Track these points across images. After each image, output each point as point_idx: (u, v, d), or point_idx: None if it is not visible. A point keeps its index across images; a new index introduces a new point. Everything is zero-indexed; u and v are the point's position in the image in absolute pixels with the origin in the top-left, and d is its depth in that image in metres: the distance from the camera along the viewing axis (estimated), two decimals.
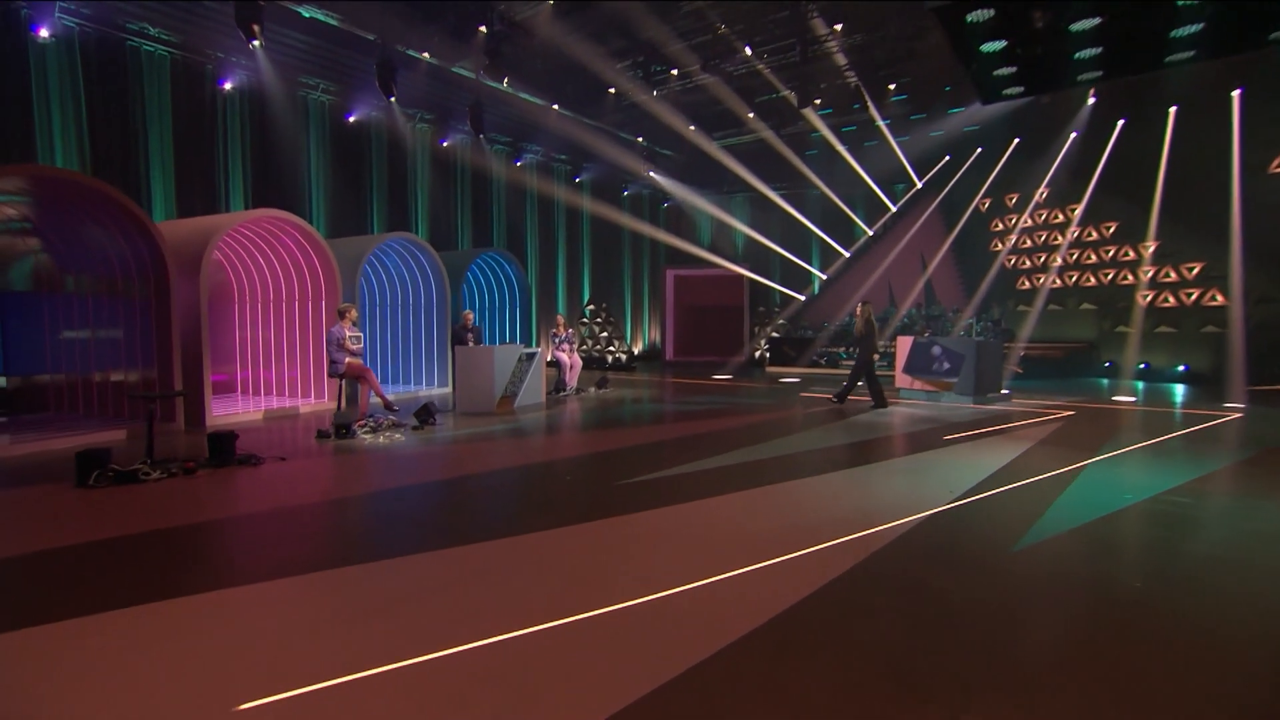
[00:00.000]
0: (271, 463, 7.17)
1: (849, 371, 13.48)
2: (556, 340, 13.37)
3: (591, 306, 20.63)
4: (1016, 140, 18.03)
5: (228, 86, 13.30)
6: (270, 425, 9.56)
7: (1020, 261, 18.26)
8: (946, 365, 11.39)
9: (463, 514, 5.44)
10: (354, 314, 9.68)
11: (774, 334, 21.12)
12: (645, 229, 24.09)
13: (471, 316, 11.53)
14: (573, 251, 21.87)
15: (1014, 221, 18.37)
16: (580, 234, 22.20)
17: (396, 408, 9.93)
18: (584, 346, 20.59)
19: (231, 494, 5.98)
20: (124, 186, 11.51)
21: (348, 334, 9.58)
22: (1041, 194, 17.64)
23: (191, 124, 12.82)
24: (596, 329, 20.50)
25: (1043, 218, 17.88)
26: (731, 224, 23.79)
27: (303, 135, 14.65)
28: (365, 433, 8.80)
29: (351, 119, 15.61)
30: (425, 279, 13.45)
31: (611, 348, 20.15)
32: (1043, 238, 17.99)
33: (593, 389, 13.56)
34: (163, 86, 12.40)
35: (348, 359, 9.53)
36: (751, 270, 22.46)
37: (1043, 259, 17.87)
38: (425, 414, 9.50)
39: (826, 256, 22.81)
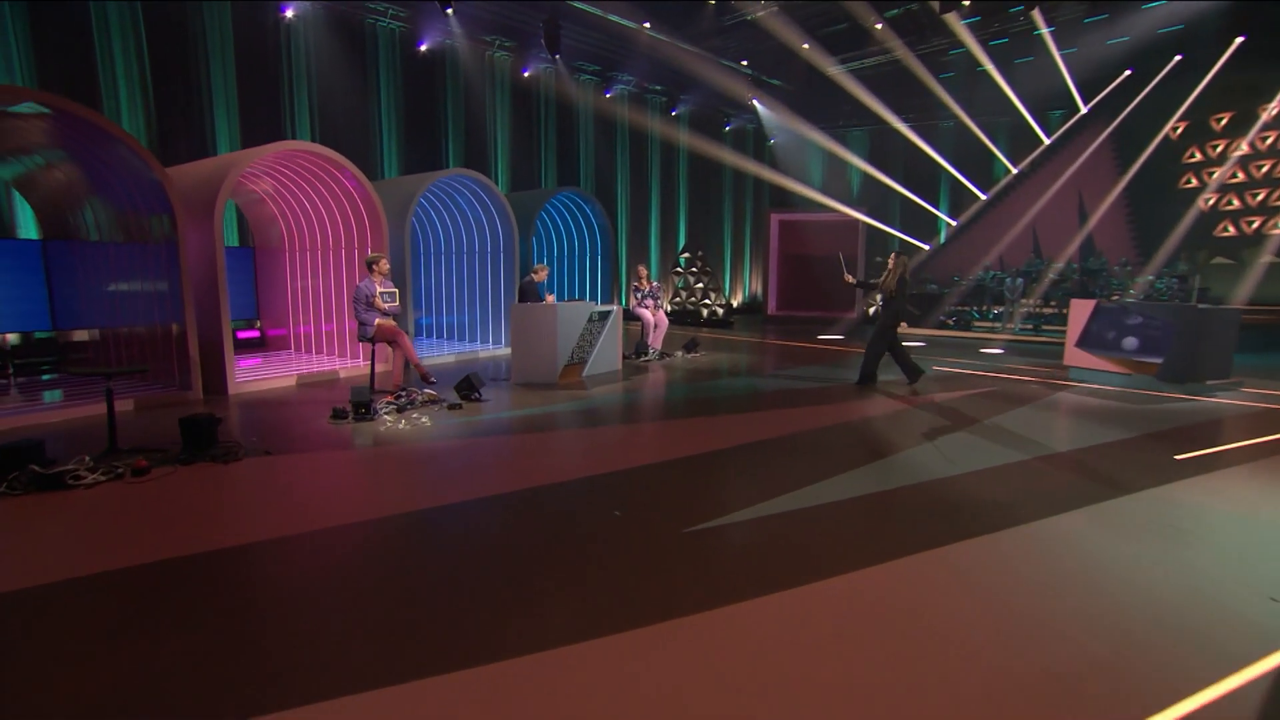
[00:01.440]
0: (252, 458, 5.40)
1: (982, 335, 10.47)
2: (639, 294, 11.12)
3: (686, 255, 18.16)
4: (1240, 40, 13.72)
5: (290, 14, 11.54)
6: (298, 395, 7.91)
7: (1226, 201, 14.22)
8: (1142, 340, 8.31)
9: (422, 603, 3.37)
10: (385, 265, 7.78)
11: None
12: (749, 167, 21.17)
13: (545, 272, 9.41)
14: (667, 195, 19.36)
15: (1221, 149, 14.24)
16: (676, 175, 19.62)
17: (434, 379, 8.04)
18: (677, 299, 18.24)
19: (153, 515, 4.18)
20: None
21: (378, 290, 7.70)
22: (1273, 111, 13.44)
23: (254, 57, 11.17)
24: (691, 279, 18.05)
25: (1269, 142, 13.69)
26: (847, 162, 20.46)
27: (371, 68, 12.82)
28: (389, 412, 6.95)
29: (423, 47, 13.61)
30: (490, 223, 11.43)
31: (707, 300, 17.69)
32: (1265, 169, 13.82)
33: (680, 353, 11.28)
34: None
35: (378, 320, 7.67)
36: (869, 215, 19.21)
37: (1261, 197, 13.77)
38: (467, 388, 7.55)
39: (958, 199, 19.22)
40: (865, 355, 8.71)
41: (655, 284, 11.22)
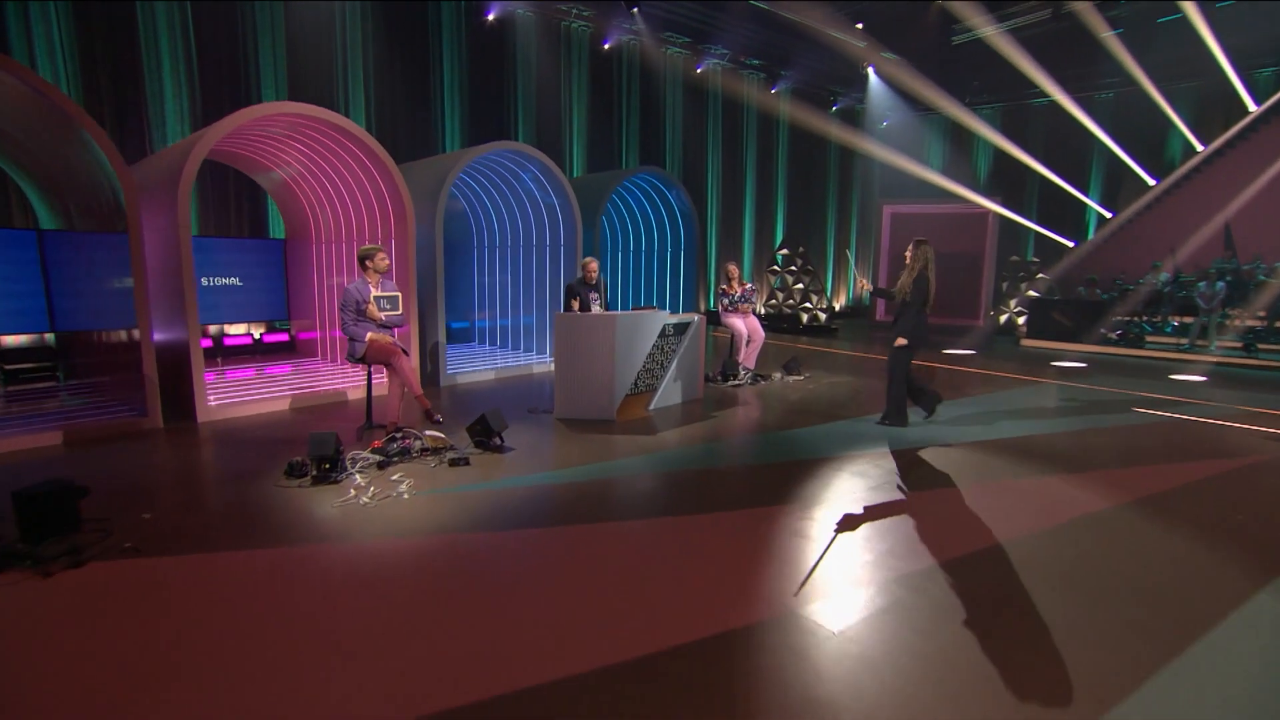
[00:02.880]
0: (105, 562, 3.28)
1: (1163, 355, 7.32)
2: (728, 299, 8.56)
3: (785, 251, 15.36)
4: None
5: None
6: (282, 427, 5.86)
7: None
8: None
9: None
10: (383, 261, 5.59)
11: (1035, 293, 14.49)
12: (863, 145, 18.06)
13: (596, 267, 7.05)
14: (763, 183, 16.57)
15: None
16: (774, 160, 16.79)
17: (440, 416, 5.78)
18: (772, 301, 15.47)
19: None
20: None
21: (373, 294, 5.51)
22: None
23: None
24: (790, 280, 15.24)
25: None
26: (973, 145, 17.00)
27: (434, 41, 10.83)
28: (366, 468, 4.73)
29: (491, 16, 11.50)
30: (548, 208, 9.12)
31: (808, 304, 14.84)
32: None
33: (778, 374, 8.64)
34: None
35: (370, 335, 5.49)
36: (1003, 205, 15.73)
37: None
38: (483, 431, 5.26)
39: (1113, 186, 15.45)
40: (889, 386, 6.26)
41: (749, 285, 8.61)
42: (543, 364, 8.91)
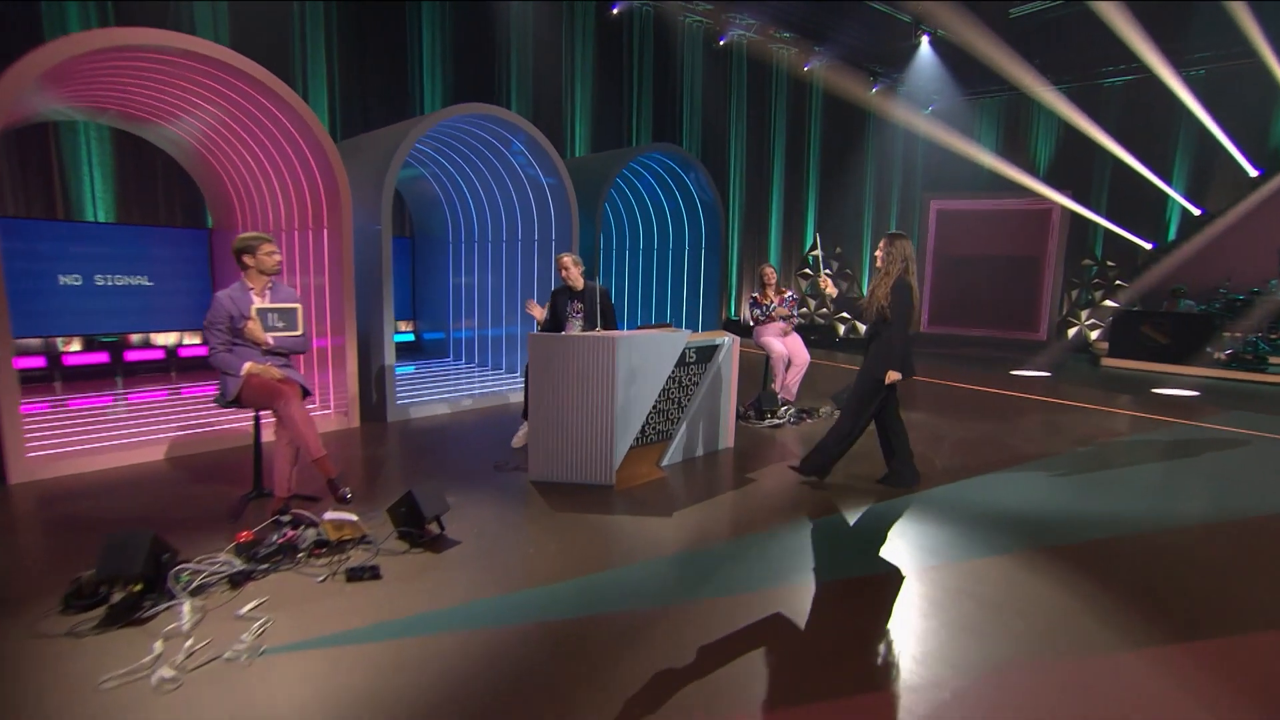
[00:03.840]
0: None
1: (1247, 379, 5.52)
2: (760, 310, 6.79)
3: (817, 253, 13.55)
4: None
5: None
6: (129, 493, 4.13)
7: None
8: None
9: None
10: (271, 257, 3.85)
11: (1118, 304, 12.58)
12: (903, 129, 16.23)
13: (571, 263, 5.22)
14: (793, 173, 14.75)
15: None
16: (806, 147, 14.98)
17: (348, 493, 3.98)
18: (804, 309, 13.67)
19: None
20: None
21: (255, 305, 3.78)
22: None
23: None
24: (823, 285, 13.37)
25: None
26: (1036, 127, 15.13)
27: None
28: (206, 590, 2.98)
29: None
30: (537, 195, 7.35)
31: (845, 314, 13.01)
32: None
33: (826, 410, 6.84)
34: None
35: (247, 367, 3.74)
36: (1073, 199, 13.85)
37: None
38: (411, 517, 3.51)
39: (1202, 180, 13.54)
40: (834, 431, 4.58)
41: (790, 293, 6.82)
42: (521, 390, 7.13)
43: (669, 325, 5.19)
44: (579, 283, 5.14)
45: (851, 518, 4.09)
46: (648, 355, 4.62)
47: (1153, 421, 7.00)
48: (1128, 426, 6.73)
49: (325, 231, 5.62)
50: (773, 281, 6.81)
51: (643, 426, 4.76)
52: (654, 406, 4.80)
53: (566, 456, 4.52)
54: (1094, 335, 12.71)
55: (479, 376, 7.81)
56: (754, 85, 13.77)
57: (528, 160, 7.10)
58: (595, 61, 11.30)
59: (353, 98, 8.78)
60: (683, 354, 4.95)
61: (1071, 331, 13.04)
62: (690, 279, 9.21)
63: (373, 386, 5.98)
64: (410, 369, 8.29)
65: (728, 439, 5.52)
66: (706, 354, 5.18)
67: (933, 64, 14.69)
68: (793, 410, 6.51)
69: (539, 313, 5.27)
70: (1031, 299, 14.72)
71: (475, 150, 7.33)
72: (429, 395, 6.71)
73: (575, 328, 5.15)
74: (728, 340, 5.33)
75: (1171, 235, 14.12)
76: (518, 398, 6.99)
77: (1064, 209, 13.65)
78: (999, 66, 14.40)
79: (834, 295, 4.85)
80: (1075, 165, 14.52)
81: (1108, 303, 12.55)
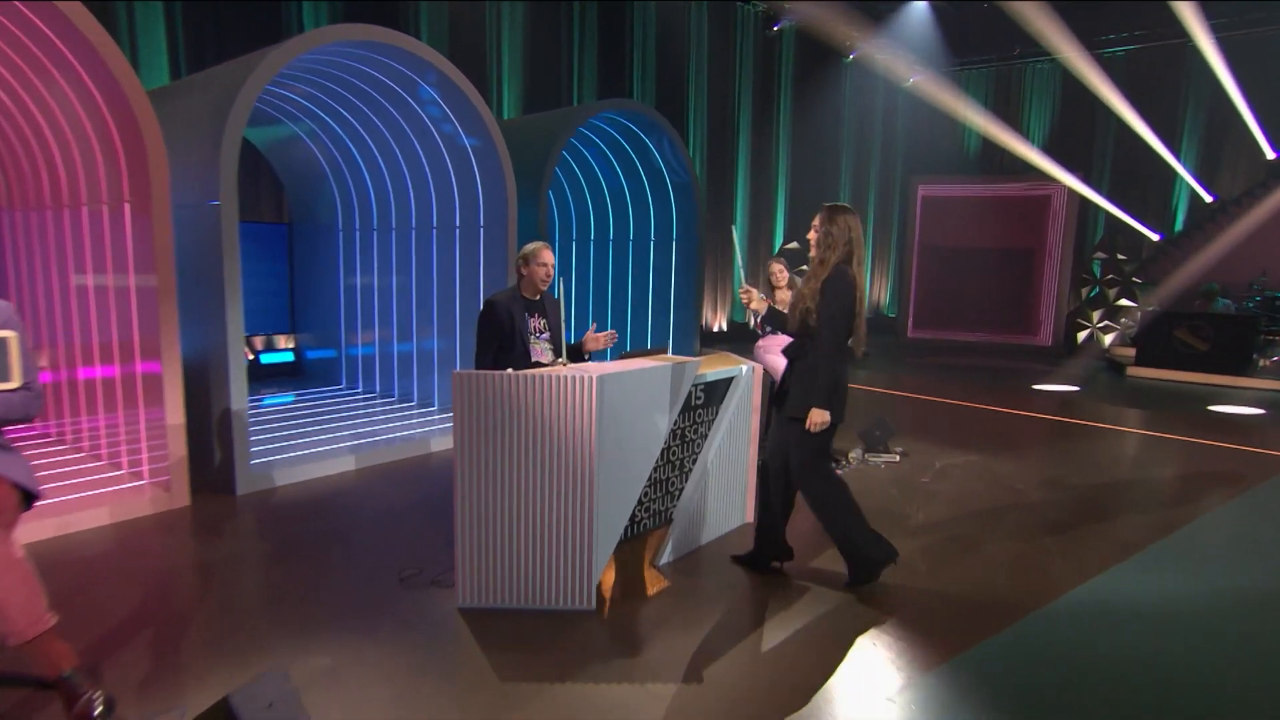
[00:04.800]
0: None
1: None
2: (761, 320, 5.43)
3: (795, 245, 12.40)
4: None
5: None
6: None
7: None
8: None
9: None
10: None
11: (1137, 304, 11.93)
12: (881, 102, 15.36)
13: (549, 263, 3.77)
14: (760, 155, 13.60)
15: None
16: (774, 125, 13.86)
17: (100, 706, 2.34)
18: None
19: None
20: None
21: None
22: None
23: None
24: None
25: None
26: (1030, 102, 14.51)
27: None
28: None
29: None
30: (459, 166, 5.82)
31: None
32: None
33: (854, 454, 5.57)
34: None
35: None
36: (1083, 182, 13.17)
37: None
38: None
39: (1214, 164, 13.13)
40: (763, 502, 3.49)
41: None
42: (445, 433, 5.59)
43: (663, 350, 3.79)
44: (546, 280, 3.73)
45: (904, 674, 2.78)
46: (644, 400, 3.21)
47: (1267, 456, 6.04)
48: (1247, 465, 5.73)
49: (127, 208, 3.95)
50: (784, 283, 5.49)
51: (634, 512, 3.34)
52: (648, 479, 3.39)
53: (518, 567, 3.05)
54: (1108, 340, 12.03)
55: (385, 412, 6.20)
56: (716, 53, 12.53)
57: (443, 113, 5.55)
58: (527, 14, 9.78)
59: (205, 24, 7.01)
60: (690, 394, 3.56)
61: (1082, 335, 12.32)
62: (658, 279, 7.79)
63: (213, 439, 4.34)
64: (288, 399, 6.62)
65: (746, 510, 4.16)
66: (718, 392, 3.80)
67: (917, 28, 13.83)
68: None
69: (759, 304, 3.58)
70: (1025, 296, 14.06)
71: (371, 101, 5.73)
72: (308, 446, 5.08)
73: (545, 351, 3.73)
74: (745, 370, 3.96)
75: (1179, 225, 13.70)
76: (444, 444, 5.43)
77: (1069, 193, 12.95)
78: (984, 35, 13.65)
79: (760, 311, 3.57)
80: (1073, 145, 13.91)
81: (1124, 302, 11.88)
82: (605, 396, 2.98)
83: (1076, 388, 9.38)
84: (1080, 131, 14.21)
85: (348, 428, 5.64)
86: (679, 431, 3.58)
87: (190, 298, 4.28)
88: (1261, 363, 9.69)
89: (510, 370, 3.03)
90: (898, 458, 5.52)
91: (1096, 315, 12.13)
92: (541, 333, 3.75)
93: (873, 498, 4.61)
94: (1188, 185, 13.37)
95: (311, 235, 7.27)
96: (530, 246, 3.75)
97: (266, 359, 7.58)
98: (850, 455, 5.46)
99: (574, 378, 2.95)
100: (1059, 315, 13.11)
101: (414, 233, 6.25)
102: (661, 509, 3.59)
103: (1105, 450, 6.14)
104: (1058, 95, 14.65)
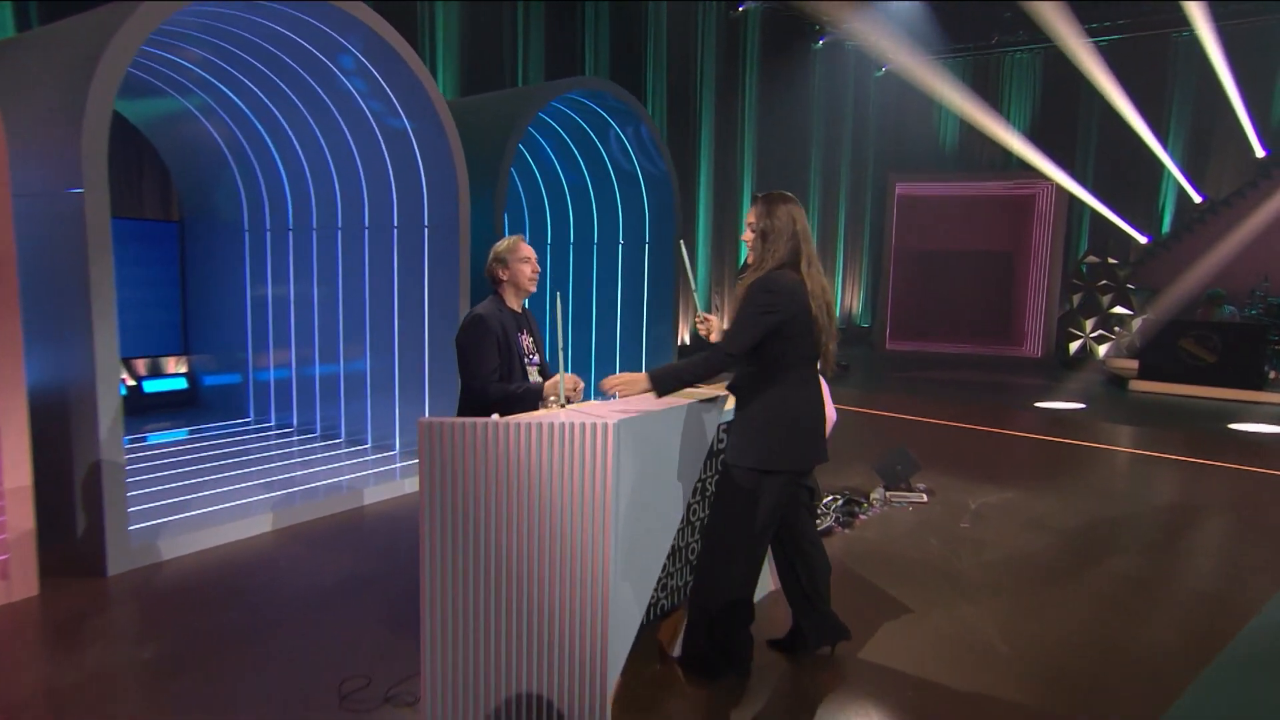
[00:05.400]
0: None
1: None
2: None
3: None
4: None
5: None
6: None
7: None
8: None
9: None
10: None
11: (1133, 312, 11.99)
12: (853, 93, 15.25)
13: (532, 258, 3.21)
14: (723, 148, 13.26)
15: None
16: (739, 116, 13.54)
17: None
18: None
19: None
20: None
21: None
22: None
23: None
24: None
25: None
26: (1010, 91, 14.61)
27: None
28: None
29: None
30: (397, 152, 5.19)
31: None
32: None
33: (876, 496, 5.13)
34: None
35: None
36: (1074, 179, 13.25)
37: None
38: None
39: (1201, 161, 13.41)
40: (784, 566, 3.01)
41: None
42: (404, 481, 4.92)
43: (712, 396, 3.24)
44: (531, 283, 3.25)
45: None
46: (667, 449, 2.69)
47: (1202, 465, 5.86)
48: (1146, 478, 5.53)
49: None
50: None
51: (654, 590, 2.79)
52: (672, 546, 2.84)
53: (507, 677, 2.45)
54: (1102, 351, 12.06)
55: (306, 453, 5.47)
56: (675, 38, 12.13)
57: (373, 85, 4.90)
58: None
59: None
60: (712, 438, 3.03)
61: (1074, 346, 12.32)
62: (628, 289, 7.20)
63: (74, 502, 3.58)
64: (180, 435, 5.84)
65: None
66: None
67: (897, 11, 13.75)
68: (836, 503, 4.74)
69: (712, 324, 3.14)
70: (1014, 305, 14.09)
71: (283, 69, 5.04)
72: (207, 503, 4.34)
73: (532, 374, 3.19)
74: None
75: (1166, 227, 13.94)
76: (382, 494, 4.75)
77: (1056, 192, 13.00)
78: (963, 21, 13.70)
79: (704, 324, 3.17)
80: (1056, 141, 14.02)
81: (1119, 310, 11.92)
82: (623, 447, 2.43)
83: (1080, 405, 9.26)
84: (1063, 127, 14.34)
85: (259, 475, 4.89)
86: (700, 485, 3.04)
87: (42, 312, 3.54)
88: (1271, 375, 9.74)
89: (496, 417, 2.44)
90: (924, 497, 5.10)
91: (1090, 324, 12.14)
92: (532, 355, 3.20)
93: (911, 549, 4.16)
94: (1175, 185, 13.60)
95: (209, 236, 6.51)
96: (503, 243, 3.20)
97: (152, 387, 6.74)
98: (872, 496, 5.00)
99: (582, 425, 2.37)
100: (1048, 324, 13.12)
101: (340, 233, 5.57)
102: (680, 584, 3.05)
103: (1145, 481, 5.92)
104: (1038, 87, 14.80)
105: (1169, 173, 13.46)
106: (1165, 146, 13.32)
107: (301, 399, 6.11)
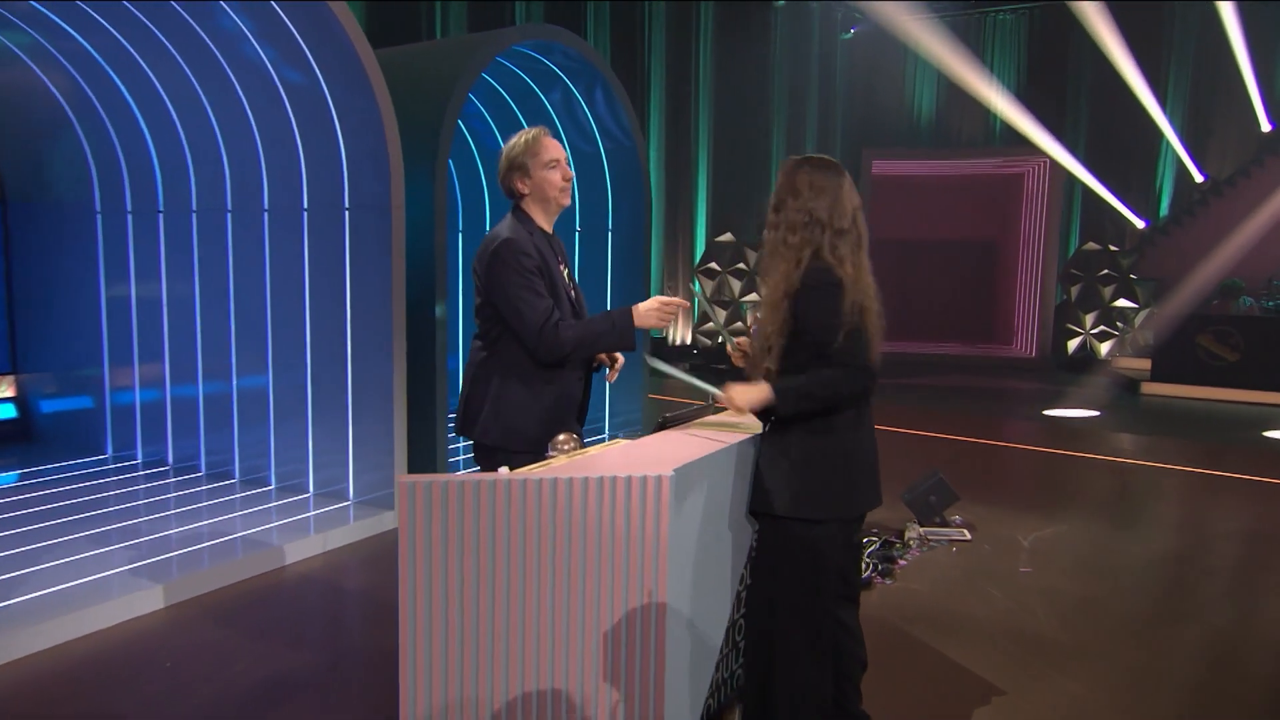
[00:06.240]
0: None
1: None
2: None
3: (728, 237, 11.85)
4: None
5: None
6: None
7: None
8: None
9: None
10: None
11: (1139, 306, 12.20)
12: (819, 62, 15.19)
13: (562, 158, 2.68)
14: (677, 126, 13.01)
15: None
16: (693, 83, 13.31)
17: None
18: (708, 326, 12.00)
19: None
20: None
21: None
22: None
23: None
24: (735, 289, 11.81)
25: None
26: (993, 55, 14.77)
27: None
28: None
29: None
30: (306, 118, 4.66)
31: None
32: None
33: (913, 536, 4.86)
34: None
35: None
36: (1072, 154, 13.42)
37: None
38: None
39: (1203, 131, 13.79)
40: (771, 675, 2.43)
41: None
42: (323, 535, 4.37)
43: (714, 400, 2.85)
44: (564, 195, 2.79)
45: None
46: (721, 500, 2.35)
47: None
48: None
49: None
50: None
51: (715, 669, 2.43)
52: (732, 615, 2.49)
53: None
54: (1105, 349, 12.23)
55: (187, 499, 4.87)
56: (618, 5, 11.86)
57: (270, 25, 4.35)
58: None
59: None
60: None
61: (1073, 344, 12.48)
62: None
63: None
64: (8, 480, 5.23)
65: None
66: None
67: None
68: (874, 543, 4.44)
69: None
70: (1002, 299, 14.24)
71: (149, 3, 4.44)
72: (47, 581, 3.70)
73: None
74: None
75: (1164, 209, 14.27)
76: (305, 551, 4.19)
77: (1051, 169, 13.14)
78: None
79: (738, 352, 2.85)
80: (1044, 110, 14.21)
81: (1122, 303, 12.11)
82: (680, 504, 2.05)
83: (1094, 412, 9.32)
84: (1052, 95, 14.52)
85: (122, 534, 4.27)
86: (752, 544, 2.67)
87: None
88: None
89: (505, 470, 2.02)
90: (966, 533, 4.84)
91: (1090, 319, 12.31)
92: (573, 292, 2.80)
93: (972, 604, 3.88)
94: (1174, 162, 13.92)
95: (46, 220, 5.94)
96: (519, 141, 2.65)
97: None
98: (907, 535, 4.72)
99: (628, 479, 1.97)
100: (1043, 320, 13.26)
101: (230, 216, 5.00)
102: (732, 668, 2.66)
103: (1196, 504, 5.91)
104: (1023, 52, 14.98)
105: (1168, 147, 13.75)
106: (1165, 111, 13.56)
107: (179, 427, 5.56)
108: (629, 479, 1.98)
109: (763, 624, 2.43)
